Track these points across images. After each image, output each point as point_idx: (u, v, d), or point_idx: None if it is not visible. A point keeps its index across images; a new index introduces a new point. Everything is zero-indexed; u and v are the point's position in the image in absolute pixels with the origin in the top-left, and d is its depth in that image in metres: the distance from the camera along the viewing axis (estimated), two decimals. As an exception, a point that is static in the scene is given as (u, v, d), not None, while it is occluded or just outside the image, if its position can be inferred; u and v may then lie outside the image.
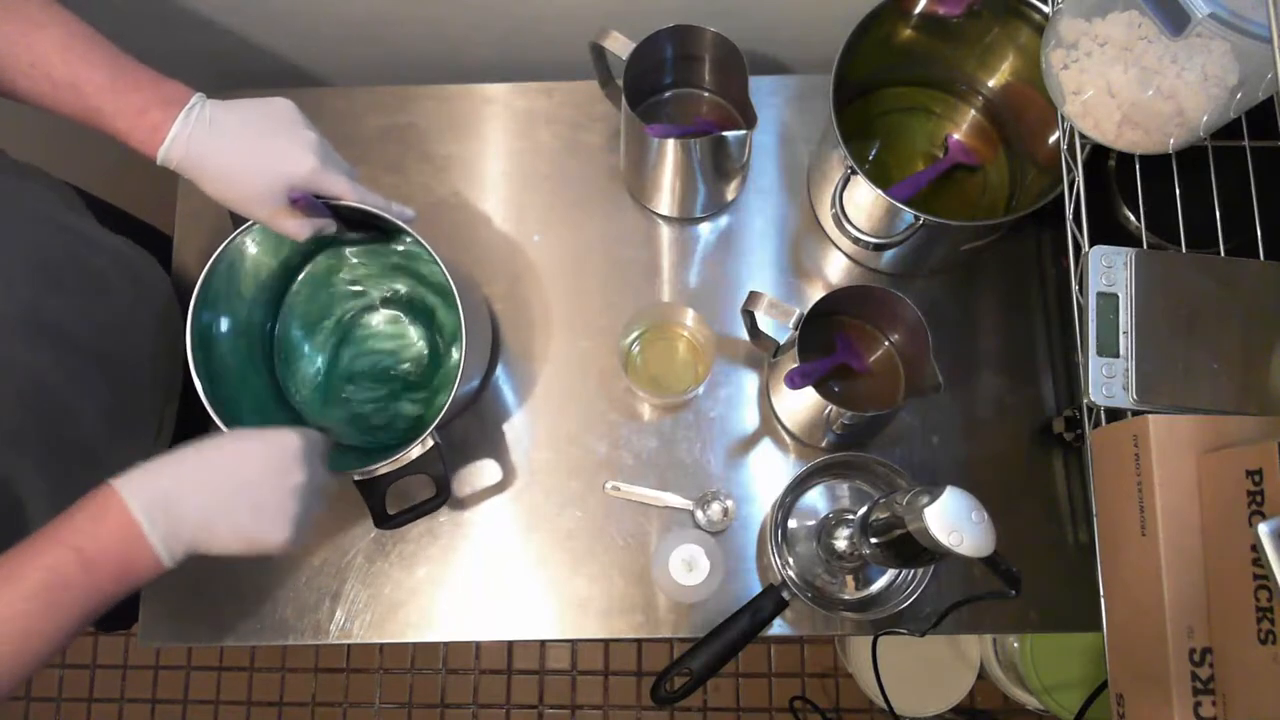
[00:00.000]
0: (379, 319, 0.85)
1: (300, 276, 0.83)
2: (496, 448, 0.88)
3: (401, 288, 0.84)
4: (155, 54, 1.07)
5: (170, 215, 0.94)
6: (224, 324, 0.74)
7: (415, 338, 0.85)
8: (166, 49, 1.03)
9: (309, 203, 0.66)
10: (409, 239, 0.74)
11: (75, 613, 0.53)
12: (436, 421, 0.70)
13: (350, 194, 0.68)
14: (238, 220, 0.71)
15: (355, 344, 0.84)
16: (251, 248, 0.74)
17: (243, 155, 0.64)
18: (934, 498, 0.57)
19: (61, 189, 0.80)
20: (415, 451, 0.71)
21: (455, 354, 0.74)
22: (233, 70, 1.05)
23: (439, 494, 0.73)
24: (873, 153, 0.91)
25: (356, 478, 0.71)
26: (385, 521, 0.72)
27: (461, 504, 0.87)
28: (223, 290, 0.73)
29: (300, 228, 0.68)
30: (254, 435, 0.61)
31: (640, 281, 0.92)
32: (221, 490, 0.58)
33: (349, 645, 1.61)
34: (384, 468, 0.71)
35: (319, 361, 0.83)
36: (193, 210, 0.93)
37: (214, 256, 0.71)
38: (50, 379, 0.66)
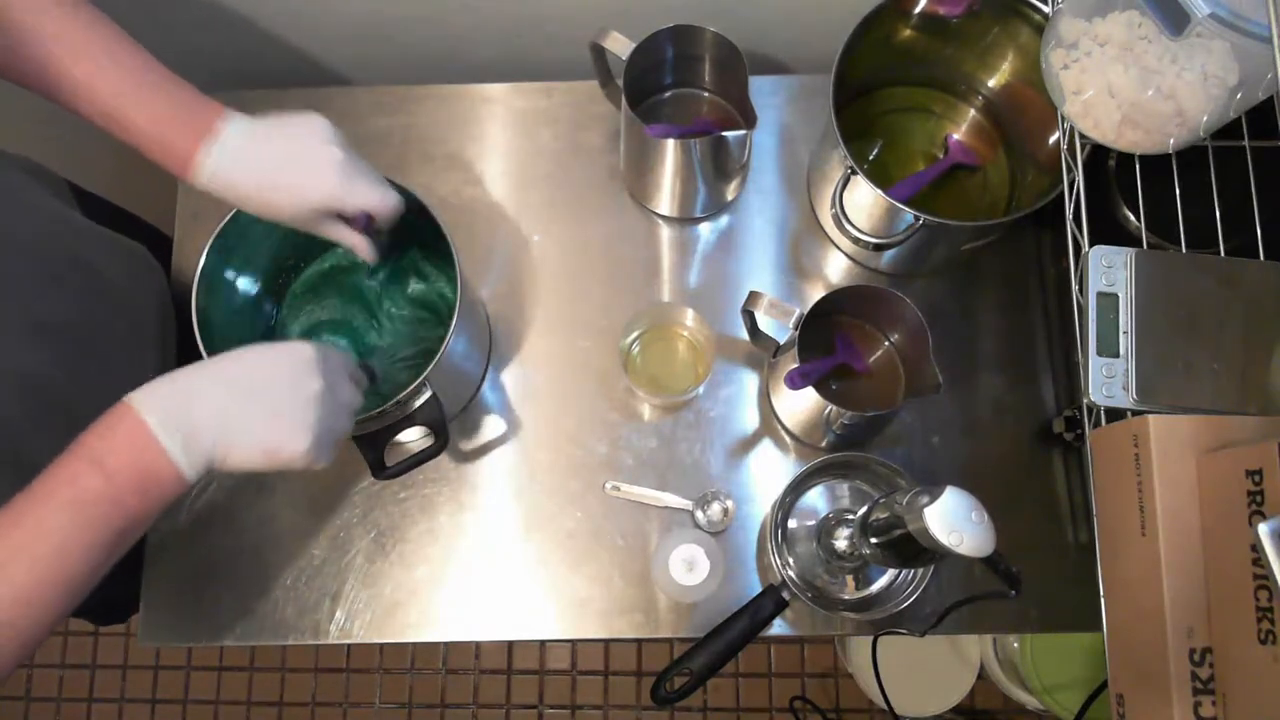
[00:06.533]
0: (380, 303, 0.85)
1: (304, 274, 0.84)
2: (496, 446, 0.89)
3: (399, 266, 0.85)
4: (159, 56, 1.07)
5: (169, 215, 0.94)
6: (224, 313, 0.75)
7: (410, 308, 0.85)
8: (168, 50, 1.03)
9: (365, 228, 0.69)
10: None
11: (105, 528, 0.53)
12: (431, 367, 0.70)
13: (378, 204, 0.68)
14: None
15: (354, 329, 0.84)
16: (249, 236, 0.75)
17: (266, 185, 0.65)
18: (934, 498, 0.57)
19: (54, 182, 0.80)
20: (412, 404, 0.71)
21: (451, 310, 0.73)
22: (234, 71, 1.05)
23: (438, 440, 0.72)
24: (873, 153, 0.91)
25: (354, 433, 0.70)
26: (382, 471, 0.71)
27: (461, 503, 0.87)
28: (225, 273, 0.74)
29: (341, 237, 0.70)
30: (267, 346, 0.60)
31: (640, 281, 0.92)
32: (236, 398, 0.57)
33: (349, 645, 1.61)
34: (381, 420, 0.70)
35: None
36: (193, 210, 0.93)
37: (213, 237, 0.71)
38: (50, 370, 0.67)
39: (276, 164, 0.65)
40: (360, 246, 0.71)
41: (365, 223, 0.69)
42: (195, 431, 0.55)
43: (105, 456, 0.53)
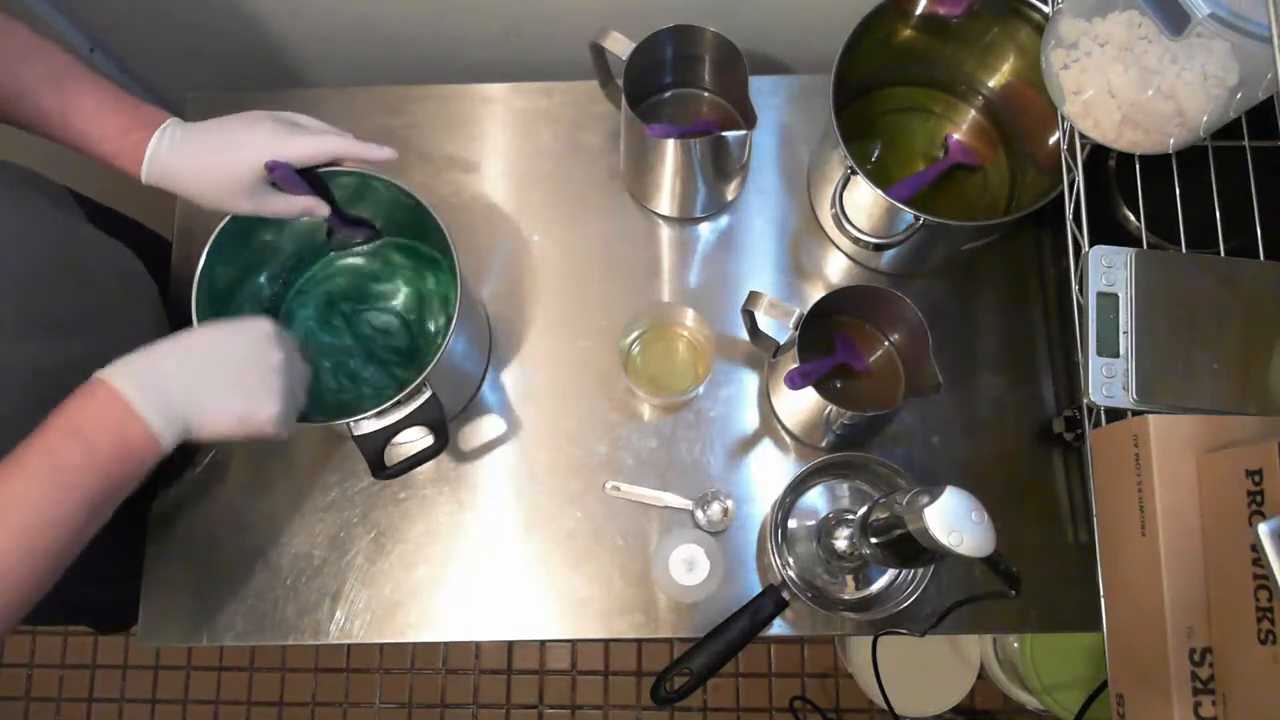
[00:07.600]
0: (377, 302, 0.85)
1: (303, 275, 0.84)
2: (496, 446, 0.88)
3: (399, 267, 0.85)
4: (159, 56, 1.08)
5: (168, 219, 0.94)
6: (224, 314, 0.75)
7: (410, 309, 0.85)
8: (168, 50, 1.04)
9: (286, 175, 0.68)
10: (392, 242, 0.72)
11: (84, 497, 0.54)
12: (430, 367, 0.70)
13: (316, 150, 0.68)
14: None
15: (353, 327, 0.84)
16: (248, 239, 0.75)
17: (207, 159, 0.67)
18: (934, 498, 0.57)
19: (56, 191, 0.81)
20: (412, 404, 0.71)
21: (451, 310, 0.73)
22: (234, 71, 1.05)
23: (438, 440, 0.72)
24: (873, 153, 0.91)
25: (355, 433, 0.70)
26: (382, 471, 0.72)
27: (461, 503, 0.87)
28: (224, 274, 0.74)
29: (287, 205, 0.70)
30: (228, 322, 0.63)
31: (640, 281, 0.92)
32: (205, 368, 0.60)
33: (349, 645, 1.61)
34: (380, 420, 0.70)
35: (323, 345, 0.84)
36: (193, 209, 0.93)
37: (212, 238, 0.72)
38: (50, 370, 0.67)
39: (215, 141, 0.67)
40: (309, 204, 0.71)
41: (295, 182, 0.70)
42: (170, 400, 0.57)
43: (83, 426, 0.55)
